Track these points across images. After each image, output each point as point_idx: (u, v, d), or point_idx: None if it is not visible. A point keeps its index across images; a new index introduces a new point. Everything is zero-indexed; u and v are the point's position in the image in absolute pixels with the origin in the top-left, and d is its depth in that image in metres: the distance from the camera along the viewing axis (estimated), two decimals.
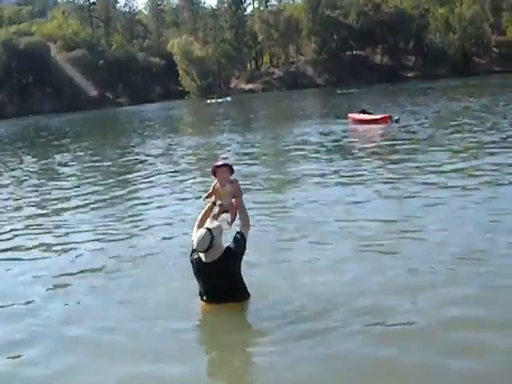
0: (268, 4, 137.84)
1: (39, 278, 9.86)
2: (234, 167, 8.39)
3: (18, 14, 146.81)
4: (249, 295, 7.85)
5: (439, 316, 7.17)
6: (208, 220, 7.84)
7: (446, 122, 30.75)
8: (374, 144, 24.78)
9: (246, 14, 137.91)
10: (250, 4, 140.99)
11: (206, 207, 8.17)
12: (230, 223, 8.22)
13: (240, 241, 7.78)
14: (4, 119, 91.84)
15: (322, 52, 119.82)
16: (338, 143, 26.36)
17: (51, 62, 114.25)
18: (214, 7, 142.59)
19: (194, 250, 7.67)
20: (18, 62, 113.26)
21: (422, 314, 7.20)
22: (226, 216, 8.22)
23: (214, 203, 8.13)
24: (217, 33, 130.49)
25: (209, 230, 7.43)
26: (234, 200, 8.08)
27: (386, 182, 15.62)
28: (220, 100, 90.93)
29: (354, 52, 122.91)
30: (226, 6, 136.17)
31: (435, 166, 17.19)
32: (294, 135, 30.95)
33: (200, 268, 7.64)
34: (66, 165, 27.32)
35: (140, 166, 24.52)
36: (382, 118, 32.99)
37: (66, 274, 9.97)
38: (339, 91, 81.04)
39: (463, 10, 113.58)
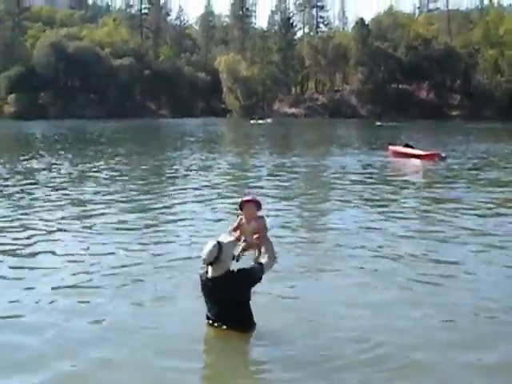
0: (318, 30, 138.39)
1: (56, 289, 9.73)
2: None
3: (69, 17, 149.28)
4: (253, 328, 7.58)
5: None
6: (222, 234, 7.74)
7: (493, 165, 30.42)
8: (419, 179, 24.84)
9: (295, 38, 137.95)
10: (300, 29, 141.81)
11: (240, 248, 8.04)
12: (255, 261, 8.03)
13: (256, 270, 7.59)
14: (45, 120, 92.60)
15: (367, 82, 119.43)
16: (377, 175, 26.22)
17: (98, 68, 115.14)
18: (265, 28, 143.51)
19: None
20: (65, 65, 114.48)
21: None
22: (250, 253, 8.17)
23: (238, 239, 7.97)
24: (264, 54, 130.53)
25: (218, 243, 7.34)
26: (256, 236, 7.97)
27: (422, 218, 15.60)
28: (261, 121, 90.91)
29: (400, 86, 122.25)
30: (276, 28, 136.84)
31: (479, 209, 16.87)
32: (331, 162, 31.13)
33: (204, 282, 7.51)
34: (99, 170, 27.31)
35: (173, 179, 24.47)
36: (429, 155, 32.15)
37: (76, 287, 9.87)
38: (378, 123, 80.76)
39: None
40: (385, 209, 16.84)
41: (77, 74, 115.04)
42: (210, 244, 7.36)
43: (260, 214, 8.11)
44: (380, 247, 12.22)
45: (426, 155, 32.04)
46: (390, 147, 35.76)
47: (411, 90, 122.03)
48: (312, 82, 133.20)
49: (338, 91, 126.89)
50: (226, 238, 7.50)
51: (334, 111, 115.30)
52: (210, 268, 7.41)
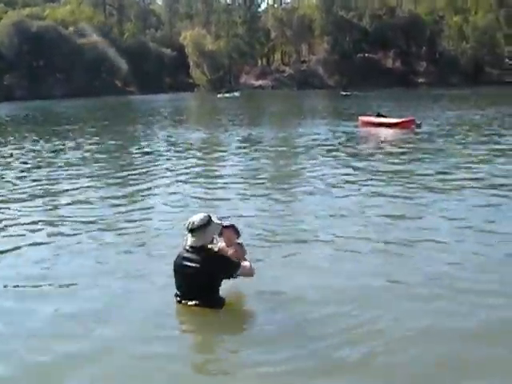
0: (282, 2, 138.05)
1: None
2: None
3: None
4: (221, 304, 7.47)
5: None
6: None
7: (466, 131, 30.38)
8: (391, 148, 24.22)
9: (259, 10, 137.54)
10: (263, 1, 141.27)
11: None
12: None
13: (233, 263, 7.50)
14: (12, 101, 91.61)
15: (333, 52, 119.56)
16: (349, 145, 25.81)
17: (63, 47, 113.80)
18: (228, 1, 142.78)
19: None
20: (29, 46, 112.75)
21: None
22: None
23: None
24: (229, 27, 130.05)
25: (209, 217, 7.48)
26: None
27: (397, 186, 15.46)
28: (229, 95, 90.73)
29: (366, 55, 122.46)
30: (240, 1, 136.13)
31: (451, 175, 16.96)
32: (300, 134, 30.60)
33: (180, 254, 7.52)
34: (64, 150, 27.14)
35: (143, 157, 24.23)
36: (404, 122, 31.56)
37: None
38: (343, 93, 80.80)
39: (477, 18, 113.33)
40: (359, 179, 16.70)
41: (42, 53, 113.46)
42: (201, 214, 7.51)
43: (239, 241, 8.01)
44: (353, 219, 12.13)
45: (401, 122, 31.46)
46: (360, 118, 34.81)
47: (377, 58, 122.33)
48: (278, 54, 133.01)
49: (304, 62, 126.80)
50: (215, 218, 7.59)
51: (301, 82, 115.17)
52: (189, 237, 7.42)
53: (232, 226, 7.97)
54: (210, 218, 7.46)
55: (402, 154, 22.18)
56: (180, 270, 7.44)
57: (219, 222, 7.64)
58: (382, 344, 6.62)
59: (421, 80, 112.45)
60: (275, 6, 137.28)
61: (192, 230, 7.37)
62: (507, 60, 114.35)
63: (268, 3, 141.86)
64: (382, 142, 27.32)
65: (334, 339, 6.73)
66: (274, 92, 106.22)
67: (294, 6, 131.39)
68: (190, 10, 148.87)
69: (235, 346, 6.84)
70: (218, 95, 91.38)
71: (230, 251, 7.73)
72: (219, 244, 7.87)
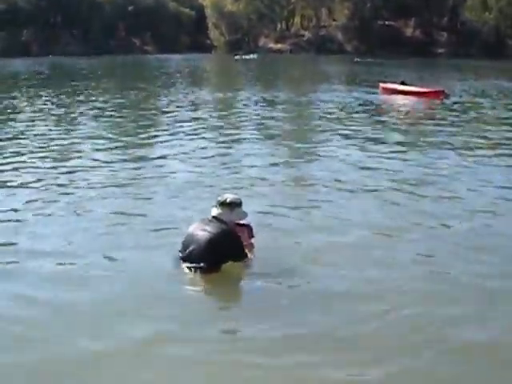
0: None
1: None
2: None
3: None
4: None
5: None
6: None
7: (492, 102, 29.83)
8: (418, 120, 23.63)
9: None
10: None
11: None
12: None
13: (243, 253, 7.50)
14: (28, 57, 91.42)
15: (353, 18, 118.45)
16: (370, 113, 25.25)
17: (80, 4, 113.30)
18: None
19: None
20: (46, 2, 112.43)
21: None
22: None
23: None
24: None
25: (241, 201, 7.62)
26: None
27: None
28: (246, 57, 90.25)
29: (386, 22, 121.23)
30: None
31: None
32: (319, 100, 29.84)
33: (200, 221, 7.52)
34: (80, 107, 27.14)
35: (157, 117, 24.21)
36: (433, 92, 30.68)
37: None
38: (357, 59, 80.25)
39: None
40: (385, 148, 16.30)
41: (59, 9, 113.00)
42: (235, 195, 7.71)
43: (251, 241, 7.87)
44: (369, 192, 11.76)
45: (430, 92, 30.63)
46: (382, 85, 34.16)
47: (397, 26, 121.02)
48: (298, 18, 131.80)
49: (323, 27, 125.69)
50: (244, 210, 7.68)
51: (319, 47, 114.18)
52: (216, 209, 7.46)
53: (247, 226, 7.90)
54: (241, 202, 7.57)
55: (433, 124, 21.59)
56: (194, 233, 7.39)
57: (244, 212, 7.63)
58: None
59: (440, 50, 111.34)
60: None
61: (222, 204, 7.42)
62: None
63: None
64: (408, 111, 26.76)
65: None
66: (292, 56, 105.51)
67: None
68: None
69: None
70: (236, 57, 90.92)
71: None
72: None
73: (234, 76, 52.82)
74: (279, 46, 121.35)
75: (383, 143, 17.14)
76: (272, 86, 40.67)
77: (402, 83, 32.86)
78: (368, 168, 13.77)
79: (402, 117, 24.33)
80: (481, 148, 16.19)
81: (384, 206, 10.59)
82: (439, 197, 11.25)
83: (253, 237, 7.90)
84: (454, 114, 24.82)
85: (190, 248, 7.35)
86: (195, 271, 7.29)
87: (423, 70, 59.53)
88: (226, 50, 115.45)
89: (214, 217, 7.41)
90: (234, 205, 7.43)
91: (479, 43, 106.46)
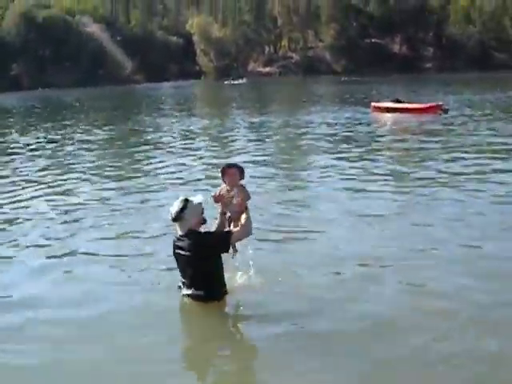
0: None
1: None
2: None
3: None
4: (220, 297, 7.40)
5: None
6: (198, 195, 7.54)
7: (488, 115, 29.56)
8: (417, 136, 22.82)
9: None
10: None
11: (218, 220, 7.71)
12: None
13: (220, 237, 7.32)
14: (19, 91, 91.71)
15: (340, 38, 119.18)
16: (364, 133, 24.79)
17: (69, 36, 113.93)
18: None
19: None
20: (35, 35, 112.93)
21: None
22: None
23: (224, 213, 7.64)
24: (236, 14, 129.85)
25: (186, 199, 7.27)
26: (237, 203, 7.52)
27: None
28: (236, 82, 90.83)
29: (373, 40, 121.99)
30: None
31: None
32: (307, 122, 29.84)
33: (174, 243, 7.38)
34: (70, 140, 27.43)
35: (154, 145, 24.27)
36: (430, 107, 30.16)
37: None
38: (343, 78, 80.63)
39: (484, 3, 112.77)
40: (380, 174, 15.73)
41: (48, 42, 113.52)
42: (177, 200, 7.33)
43: (242, 182, 7.61)
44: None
45: (427, 108, 30.10)
46: (373, 104, 33.54)
47: (384, 43, 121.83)
48: (285, 41, 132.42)
49: (311, 48, 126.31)
50: (196, 199, 7.35)
51: (308, 69, 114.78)
52: (177, 225, 7.33)
53: (235, 166, 7.71)
54: (187, 200, 7.24)
55: (430, 141, 21.07)
56: (177, 258, 7.40)
57: (199, 201, 7.31)
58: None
59: (427, 65, 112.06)
60: None
61: (174, 220, 7.28)
62: None
63: None
64: (404, 128, 26.02)
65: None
66: (281, 79, 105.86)
67: None
68: None
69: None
70: (225, 82, 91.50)
71: (235, 200, 7.47)
72: (222, 187, 7.63)
73: (223, 102, 53.00)
74: (268, 69, 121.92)
75: (380, 166, 16.90)
76: (261, 111, 40.38)
77: (397, 101, 32.27)
78: (365, 194, 13.27)
79: (397, 135, 24.03)
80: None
81: (381, 233, 10.32)
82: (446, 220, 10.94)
83: (243, 177, 7.62)
84: (454, 128, 24.56)
85: (183, 275, 7.41)
86: (195, 298, 7.34)
87: (410, 85, 59.74)
88: (215, 76, 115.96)
89: (179, 235, 7.31)
90: (180, 212, 7.17)
91: (465, 56, 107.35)
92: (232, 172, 7.55)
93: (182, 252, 7.20)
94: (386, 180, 14.69)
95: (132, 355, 6.38)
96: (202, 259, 7.14)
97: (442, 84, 61.32)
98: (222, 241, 7.23)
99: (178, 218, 7.19)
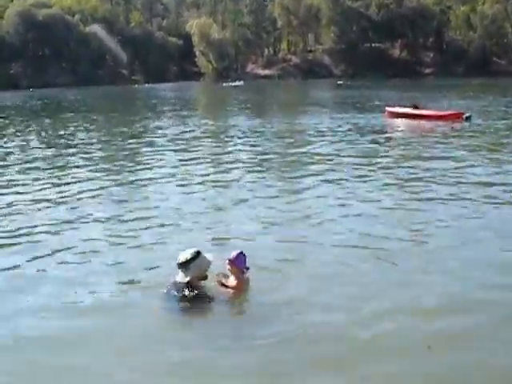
0: None
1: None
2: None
3: None
4: None
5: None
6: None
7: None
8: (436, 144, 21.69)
9: None
10: None
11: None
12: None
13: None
14: (18, 90, 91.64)
15: (340, 42, 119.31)
16: (378, 141, 23.50)
17: (68, 36, 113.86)
18: None
19: None
20: (34, 34, 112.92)
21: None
22: None
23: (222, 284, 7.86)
24: (236, 16, 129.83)
25: (198, 252, 7.45)
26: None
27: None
28: (234, 84, 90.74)
29: (373, 44, 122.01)
30: None
31: None
32: (310, 126, 28.94)
33: (167, 286, 7.60)
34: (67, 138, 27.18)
35: (149, 147, 24.04)
36: (452, 115, 29.18)
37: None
38: (339, 82, 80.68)
39: (485, 8, 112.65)
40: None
41: (47, 42, 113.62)
42: (190, 249, 7.49)
43: (246, 274, 7.88)
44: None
45: (449, 115, 29.17)
46: (388, 109, 32.51)
47: (384, 48, 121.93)
48: (285, 43, 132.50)
49: (310, 51, 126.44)
50: (208, 256, 7.55)
51: (307, 72, 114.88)
52: (180, 271, 7.46)
53: (236, 260, 7.79)
54: (199, 253, 7.44)
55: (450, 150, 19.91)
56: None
57: (210, 259, 7.53)
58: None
59: (427, 71, 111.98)
60: None
61: (179, 266, 7.44)
62: None
63: None
64: (425, 135, 24.94)
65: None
66: (279, 81, 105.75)
67: None
68: None
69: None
70: (224, 84, 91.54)
71: (231, 283, 7.77)
72: (230, 278, 7.84)
73: (221, 104, 52.85)
74: (267, 71, 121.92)
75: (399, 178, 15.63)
76: (255, 114, 39.78)
77: (415, 107, 31.10)
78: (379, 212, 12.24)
79: (417, 142, 22.58)
80: None
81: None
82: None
83: (247, 268, 7.84)
84: (477, 137, 23.35)
85: None
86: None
87: (412, 90, 59.04)
88: (214, 78, 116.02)
89: (174, 282, 7.45)
90: (190, 261, 7.35)
91: (466, 62, 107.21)
92: (234, 267, 7.80)
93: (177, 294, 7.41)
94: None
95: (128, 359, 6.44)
96: None
97: (445, 89, 60.55)
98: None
99: (184, 266, 7.39)
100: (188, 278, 7.36)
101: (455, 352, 6.35)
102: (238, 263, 7.78)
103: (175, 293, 7.36)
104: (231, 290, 7.72)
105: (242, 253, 7.86)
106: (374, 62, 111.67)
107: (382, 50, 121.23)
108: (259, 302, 7.70)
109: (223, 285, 7.77)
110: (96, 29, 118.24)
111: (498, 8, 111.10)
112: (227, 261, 7.76)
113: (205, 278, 7.56)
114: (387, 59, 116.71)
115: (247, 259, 7.87)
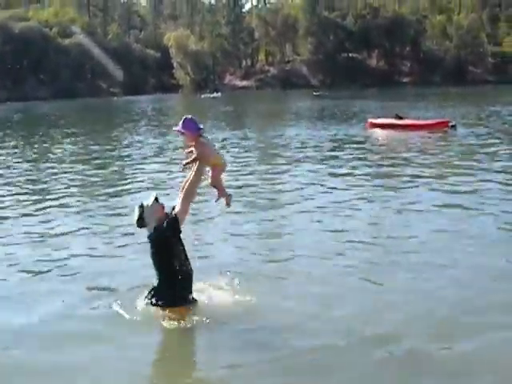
0: (266, 2, 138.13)
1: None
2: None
3: None
4: (177, 303, 7.50)
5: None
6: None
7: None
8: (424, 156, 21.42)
9: (243, 10, 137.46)
10: (248, 1, 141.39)
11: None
12: (217, 199, 7.86)
13: (166, 227, 7.33)
14: None
15: (317, 52, 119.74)
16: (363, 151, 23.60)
17: (46, 49, 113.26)
18: (213, 2, 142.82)
19: None
20: (12, 47, 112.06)
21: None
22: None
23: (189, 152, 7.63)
24: (213, 28, 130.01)
25: (141, 206, 7.45)
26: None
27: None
28: (213, 95, 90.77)
29: (350, 54, 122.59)
30: (224, 1, 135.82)
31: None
32: (293, 138, 29.02)
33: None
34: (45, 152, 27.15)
35: (126, 161, 24.07)
36: (437, 124, 29.26)
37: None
38: (316, 93, 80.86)
39: (461, 18, 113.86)
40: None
41: (25, 55, 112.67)
42: (135, 209, 7.53)
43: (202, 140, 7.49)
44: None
45: (434, 124, 29.22)
46: (371, 120, 32.30)
47: (361, 58, 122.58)
48: (262, 54, 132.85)
49: (288, 62, 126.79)
50: (149, 200, 7.45)
51: (285, 82, 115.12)
52: (146, 230, 7.49)
53: (185, 127, 7.49)
54: (142, 206, 7.41)
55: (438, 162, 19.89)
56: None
57: (151, 200, 7.41)
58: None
59: (405, 80, 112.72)
60: (259, 6, 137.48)
61: (139, 227, 7.52)
62: (490, 59, 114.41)
63: (252, 3, 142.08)
64: (412, 147, 24.54)
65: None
66: (257, 92, 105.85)
67: (278, 7, 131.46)
68: (175, 10, 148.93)
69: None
70: (202, 96, 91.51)
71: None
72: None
73: (200, 116, 52.85)
74: (245, 82, 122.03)
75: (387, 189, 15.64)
76: (233, 126, 39.82)
77: (398, 117, 31.00)
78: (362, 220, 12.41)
79: (403, 153, 22.50)
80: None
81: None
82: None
83: (201, 128, 7.51)
84: (463, 145, 23.72)
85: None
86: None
87: (388, 100, 59.08)
88: (192, 89, 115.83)
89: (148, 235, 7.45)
90: (140, 220, 7.39)
91: (442, 71, 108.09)
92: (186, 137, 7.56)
93: (151, 255, 7.44)
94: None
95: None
96: (159, 246, 7.35)
97: (428, 99, 60.59)
98: (169, 225, 7.34)
99: (140, 225, 7.47)
100: (154, 226, 7.35)
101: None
102: (189, 128, 7.46)
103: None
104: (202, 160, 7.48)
105: (186, 118, 7.52)
106: (352, 71, 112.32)
107: (359, 59, 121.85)
108: (248, 323, 7.47)
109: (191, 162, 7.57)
110: (85, 41, 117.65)
111: (473, 18, 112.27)
112: (178, 134, 7.64)
113: (164, 208, 7.51)
114: (364, 69, 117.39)
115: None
